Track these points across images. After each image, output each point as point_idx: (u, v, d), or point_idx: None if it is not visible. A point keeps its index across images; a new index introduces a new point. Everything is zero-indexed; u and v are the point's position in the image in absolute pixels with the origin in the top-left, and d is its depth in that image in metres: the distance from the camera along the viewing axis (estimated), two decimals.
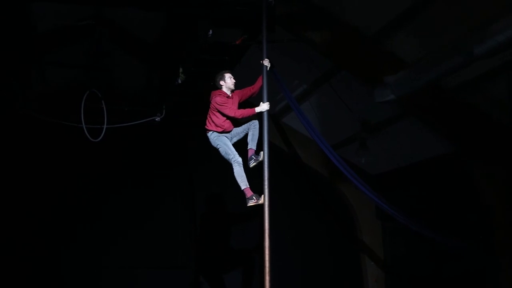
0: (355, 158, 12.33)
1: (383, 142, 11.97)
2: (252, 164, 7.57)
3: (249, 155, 7.67)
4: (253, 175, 7.72)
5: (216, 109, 7.73)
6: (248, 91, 7.99)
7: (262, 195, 7.14)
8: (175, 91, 10.56)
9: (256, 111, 7.46)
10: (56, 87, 12.23)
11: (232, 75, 7.93)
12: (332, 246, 14.19)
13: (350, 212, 14.27)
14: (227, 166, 7.76)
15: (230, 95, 7.86)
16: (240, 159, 7.61)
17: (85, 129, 10.44)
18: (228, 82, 7.87)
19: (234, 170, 7.60)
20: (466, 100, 9.56)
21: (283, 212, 13.10)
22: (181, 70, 9.76)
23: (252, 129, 7.79)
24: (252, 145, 7.74)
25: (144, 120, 11.45)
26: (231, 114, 7.66)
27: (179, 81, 9.92)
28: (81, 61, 11.09)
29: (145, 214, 13.04)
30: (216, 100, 7.72)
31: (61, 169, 12.56)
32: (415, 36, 9.09)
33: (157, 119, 11.54)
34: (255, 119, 7.79)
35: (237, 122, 7.91)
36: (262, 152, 7.26)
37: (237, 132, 7.92)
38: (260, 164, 7.25)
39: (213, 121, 7.82)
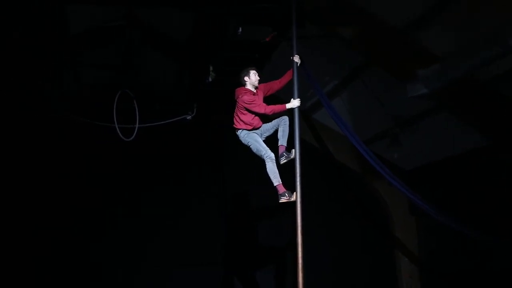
0: (388, 153, 12.23)
1: (416, 136, 11.84)
2: (283, 161, 7.55)
3: (280, 152, 7.65)
4: (285, 171, 7.70)
5: (244, 107, 7.73)
6: (274, 85, 7.99)
7: (294, 192, 7.12)
8: (205, 89, 10.60)
9: (286, 107, 7.45)
10: (89, 88, 12.39)
11: (257, 71, 7.95)
12: (365, 243, 14.07)
13: (384, 208, 14.14)
14: (259, 163, 7.75)
15: (255, 92, 7.87)
16: (272, 155, 7.59)
17: (117, 128, 10.54)
18: (252, 78, 7.89)
19: (267, 166, 7.58)
20: (500, 93, 9.39)
21: (316, 209, 13.03)
22: (211, 68, 9.80)
23: (282, 125, 7.76)
24: (282, 141, 7.71)
25: (176, 119, 11.51)
26: (261, 111, 7.67)
27: (210, 80, 9.97)
28: (113, 61, 11.21)
29: (178, 213, 13.12)
30: (244, 99, 7.73)
31: (94, 169, 12.73)
32: (447, 29, 8.96)
33: (188, 117, 11.60)
34: (285, 115, 7.77)
35: (266, 118, 7.90)
36: (293, 150, 7.24)
37: (267, 129, 7.91)
38: (292, 161, 7.23)
39: (241, 120, 7.83)
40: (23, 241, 11.95)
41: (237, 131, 7.93)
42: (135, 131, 10.65)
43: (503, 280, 10.76)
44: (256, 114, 7.77)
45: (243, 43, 8.59)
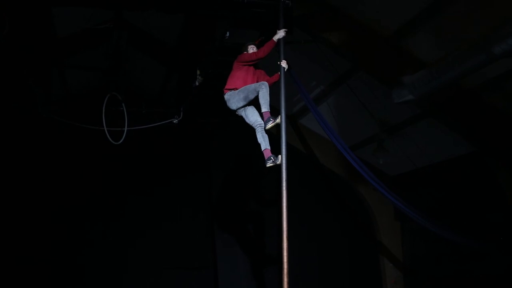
0: (373, 159, 12.29)
1: (402, 143, 11.91)
2: (269, 165, 7.58)
3: (266, 156, 7.67)
4: (271, 178, 7.72)
5: (241, 62, 7.92)
6: (264, 76, 8.12)
7: (279, 155, 7.21)
8: (192, 93, 10.60)
9: (275, 40, 7.57)
10: (77, 90, 12.35)
11: (255, 46, 8.05)
12: (350, 247, 14.14)
13: (369, 213, 14.21)
14: (246, 166, 7.78)
15: None
16: (261, 122, 7.74)
17: (106, 132, 10.52)
18: (250, 52, 8.00)
19: (261, 91, 7.69)
20: (486, 100, 9.48)
21: (301, 214, 13.12)
22: (198, 72, 9.81)
23: (261, 90, 7.75)
24: (264, 107, 7.73)
25: (162, 123, 11.51)
26: (254, 56, 7.81)
27: (197, 83, 9.97)
28: (101, 64, 11.19)
29: (165, 215, 13.15)
30: (240, 56, 7.96)
31: (82, 171, 12.71)
32: (433, 36, 9.03)
33: (175, 121, 11.59)
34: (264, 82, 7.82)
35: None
36: (279, 156, 7.26)
37: (249, 90, 7.88)
38: (278, 166, 7.25)
39: (232, 81, 7.97)
40: (6, 243, 11.89)
41: (225, 95, 8.02)
42: (124, 134, 10.63)
43: (488, 285, 10.84)
44: (250, 66, 7.91)
45: (231, 47, 8.60)
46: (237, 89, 7.90)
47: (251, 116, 7.92)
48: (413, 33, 9.15)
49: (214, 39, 8.60)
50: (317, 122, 8.66)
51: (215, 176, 13.62)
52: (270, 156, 7.61)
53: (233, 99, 7.92)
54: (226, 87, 8.02)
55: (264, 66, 8.40)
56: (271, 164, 7.56)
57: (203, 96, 10.79)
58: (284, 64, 7.51)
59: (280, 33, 7.52)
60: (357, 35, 9.67)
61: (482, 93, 9.40)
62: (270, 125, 7.60)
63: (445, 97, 9.48)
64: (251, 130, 7.94)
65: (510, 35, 6.96)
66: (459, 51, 7.99)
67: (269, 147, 7.75)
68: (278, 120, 7.41)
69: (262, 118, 7.76)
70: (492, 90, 9.24)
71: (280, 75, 7.51)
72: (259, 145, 7.73)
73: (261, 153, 7.80)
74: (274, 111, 7.67)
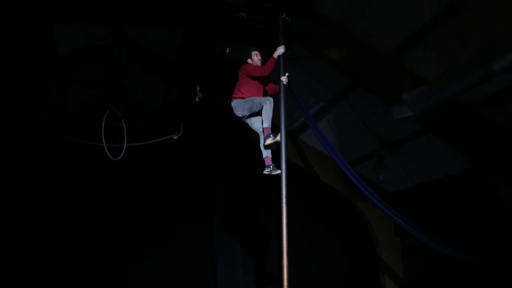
0: (373, 175, 12.28)
1: (402, 159, 11.91)
2: (266, 172, 7.74)
3: (266, 164, 7.83)
4: (271, 192, 7.72)
5: (246, 74, 7.97)
6: (270, 84, 8.22)
7: (279, 133, 7.31)
8: (192, 109, 10.62)
9: (275, 57, 7.64)
10: (77, 106, 12.37)
11: (259, 52, 8.14)
12: (350, 264, 14.09)
13: (369, 229, 14.17)
14: (246, 183, 7.78)
15: None
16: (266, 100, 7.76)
17: (105, 148, 10.52)
18: (254, 59, 8.13)
19: (264, 107, 7.72)
20: (485, 116, 9.49)
21: (301, 230, 13.09)
22: (198, 88, 9.82)
23: (265, 106, 7.78)
24: (266, 123, 7.79)
25: (162, 139, 11.51)
26: (258, 73, 7.88)
27: (197, 100, 9.98)
28: (101, 80, 11.22)
29: (165, 232, 13.10)
30: (245, 66, 8.03)
31: (82, 188, 12.70)
32: (432, 52, 9.07)
33: (175, 137, 11.59)
34: (270, 97, 7.87)
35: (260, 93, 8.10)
36: (279, 170, 7.30)
37: (254, 103, 7.93)
38: (278, 181, 7.22)
39: (239, 90, 8.01)
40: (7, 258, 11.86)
41: (232, 102, 8.06)
42: (123, 151, 10.63)
43: None
44: (255, 78, 7.95)
45: (231, 63, 8.62)
46: (243, 98, 7.97)
47: (256, 124, 8.02)
48: (413, 49, 9.19)
49: (214, 55, 8.63)
50: (316, 138, 8.67)
51: (215, 192, 13.60)
52: (270, 165, 7.69)
53: (239, 108, 7.99)
54: (234, 95, 8.09)
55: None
56: (267, 173, 7.72)
57: (203, 112, 10.81)
58: (284, 79, 7.54)
59: (280, 50, 7.60)
60: (357, 52, 9.71)
61: (481, 109, 9.41)
62: (269, 141, 7.68)
63: (444, 113, 9.49)
64: (251, 146, 7.97)
65: (508, 52, 6.99)
66: (458, 67, 8.02)
67: (270, 156, 7.86)
68: (278, 138, 7.50)
69: (263, 132, 7.82)
70: (491, 106, 9.25)
71: (280, 89, 7.55)
72: (260, 153, 7.82)
73: (261, 167, 7.83)
74: (274, 127, 7.70)
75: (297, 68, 9.84)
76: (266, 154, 7.88)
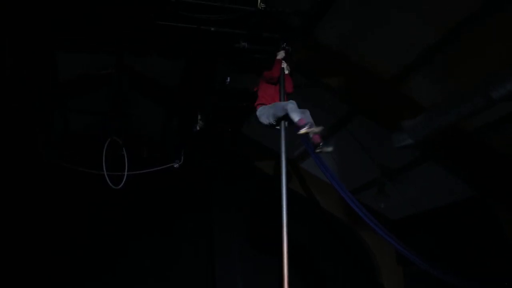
0: (375, 203, 12.25)
1: (403, 187, 11.89)
2: (318, 150, 7.37)
3: (315, 142, 7.42)
4: (272, 218, 7.67)
5: (264, 79, 7.93)
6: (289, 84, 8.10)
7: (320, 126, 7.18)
8: (193, 137, 10.65)
9: (278, 58, 7.80)
10: (78, 134, 12.41)
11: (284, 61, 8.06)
12: None
13: (370, 257, 14.09)
14: (247, 212, 7.72)
15: None
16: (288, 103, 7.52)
17: (106, 176, 10.53)
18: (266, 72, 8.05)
19: (288, 108, 7.42)
20: (485, 143, 9.51)
21: (302, 258, 13.02)
22: (199, 117, 9.86)
23: (289, 108, 7.47)
24: (297, 117, 7.42)
25: (163, 167, 11.52)
26: (268, 76, 7.85)
27: (198, 128, 10.02)
28: (102, 108, 11.27)
29: (165, 261, 13.04)
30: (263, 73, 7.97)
31: (83, 216, 12.68)
32: (432, 80, 9.11)
33: (176, 165, 11.60)
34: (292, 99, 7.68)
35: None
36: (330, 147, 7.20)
37: (277, 108, 7.70)
38: (279, 208, 7.17)
39: (262, 97, 7.94)
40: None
41: (257, 111, 7.90)
42: (124, 179, 10.63)
43: None
44: (270, 81, 7.88)
45: (231, 92, 8.68)
46: (266, 104, 7.84)
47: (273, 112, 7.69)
48: (412, 77, 9.23)
49: (214, 84, 8.69)
50: (317, 166, 8.68)
51: (216, 220, 13.57)
52: (306, 123, 7.35)
53: (264, 116, 7.76)
54: (257, 102, 7.96)
55: None
56: (306, 130, 7.32)
57: (204, 140, 10.83)
58: (285, 66, 7.68)
59: (281, 53, 7.77)
60: (356, 79, 9.76)
61: (482, 136, 9.43)
62: (308, 129, 7.27)
63: (445, 140, 9.51)
64: (252, 175, 7.95)
65: (508, 80, 7.04)
66: (458, 94, 8.06)
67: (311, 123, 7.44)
68: (317, 129, 7.20)
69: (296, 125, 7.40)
70: (492, 133, 9.27)
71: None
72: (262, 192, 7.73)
73: (261, 194, 7.75)
74: (275, 156, 7.68)
75: (297, 96, 9.88)
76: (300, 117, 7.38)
